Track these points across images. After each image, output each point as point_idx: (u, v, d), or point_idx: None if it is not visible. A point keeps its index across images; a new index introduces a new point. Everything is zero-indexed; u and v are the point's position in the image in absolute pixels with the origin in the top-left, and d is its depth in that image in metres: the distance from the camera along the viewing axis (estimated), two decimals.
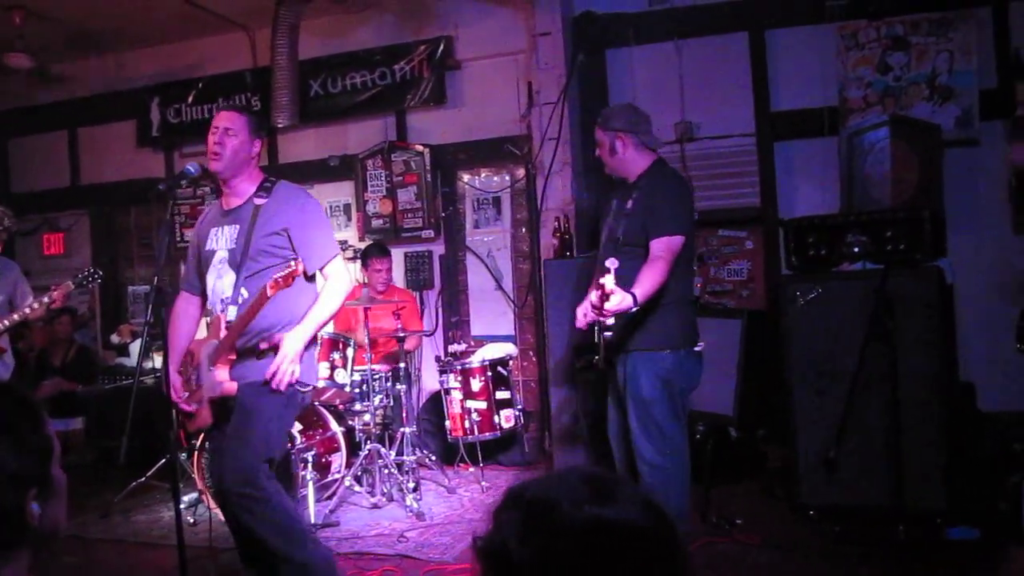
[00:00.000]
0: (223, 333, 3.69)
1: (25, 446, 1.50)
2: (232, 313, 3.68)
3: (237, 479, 3.64)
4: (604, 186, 6.25)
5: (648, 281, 3.98)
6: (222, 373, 3.69)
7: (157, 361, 6.92)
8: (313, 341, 3.90)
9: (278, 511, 3.72)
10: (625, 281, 4.08)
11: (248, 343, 3.73)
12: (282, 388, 3.63)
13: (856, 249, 4.85)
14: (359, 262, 7.11)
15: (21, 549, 1.52)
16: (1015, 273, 5.81)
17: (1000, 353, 5.86)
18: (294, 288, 3.65)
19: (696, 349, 4.30)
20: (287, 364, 3.63)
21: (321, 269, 3.84)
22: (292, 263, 3.52)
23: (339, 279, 3.85)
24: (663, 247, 4.12)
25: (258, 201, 3.82)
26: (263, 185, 3.89)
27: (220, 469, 3.74)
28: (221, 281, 3.82)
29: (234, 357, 3.71)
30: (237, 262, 3.77)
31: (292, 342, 3.66)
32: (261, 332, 3.73)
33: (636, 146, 4.40)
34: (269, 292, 3.47)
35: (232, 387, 3.68)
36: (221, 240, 3.86)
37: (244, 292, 3.72)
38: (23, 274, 5.69)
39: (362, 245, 7.33)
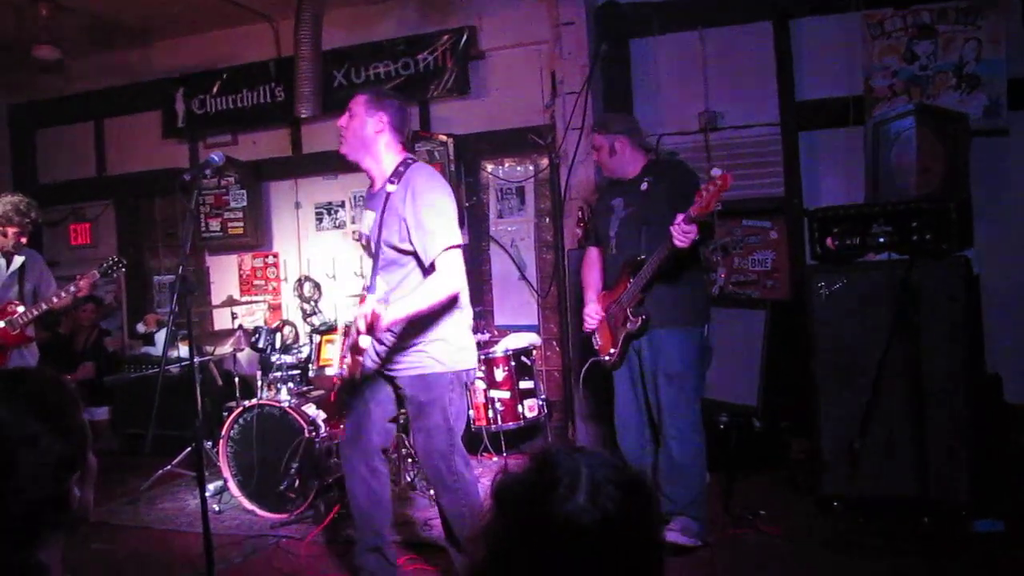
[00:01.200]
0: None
1: (70, 431, 1.53)
2: (371, 302, 3.54)
3: (432, 463, 3.82)
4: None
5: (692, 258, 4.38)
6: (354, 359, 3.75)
7: (183, 350, 6.97)
8: (465, 327, 3.88)
9: (468, 501, 3.75)
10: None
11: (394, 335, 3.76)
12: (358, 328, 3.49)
13: (881, 239, 4.82)
14: None
15: (60, 532, 1.56)
16: None
17: None
18: (415, 286, 3.69)
19: None
20: (362, 321, 3.46)
21: (432, 260, 3.63)
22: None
23: (443, 276, 3.63)
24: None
25: (389, 188, 3.74)
26: (397, 169, 3.79)
27: (421, 460, 3.97)
28: (367, 266, 3.91)
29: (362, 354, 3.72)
30: (372, 252, 3.81)
31: (380, 309, 3.47)
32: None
33: (633, 147, 4.78)
34: (370, 318, 3.44)
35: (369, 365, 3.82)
36: (365, 225, 3.92)
37: (380, 283, 3.72)
38: (48, 264, 5.76)
39: None
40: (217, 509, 5.63)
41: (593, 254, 5.04)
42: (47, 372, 1.62)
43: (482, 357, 6.33)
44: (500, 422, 6.25)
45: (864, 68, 6.19)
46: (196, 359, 3.91)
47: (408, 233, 3.66)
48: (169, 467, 6.23)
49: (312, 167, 7.96)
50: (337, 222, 8.02)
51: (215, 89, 8.27)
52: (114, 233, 9.00)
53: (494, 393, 6.29)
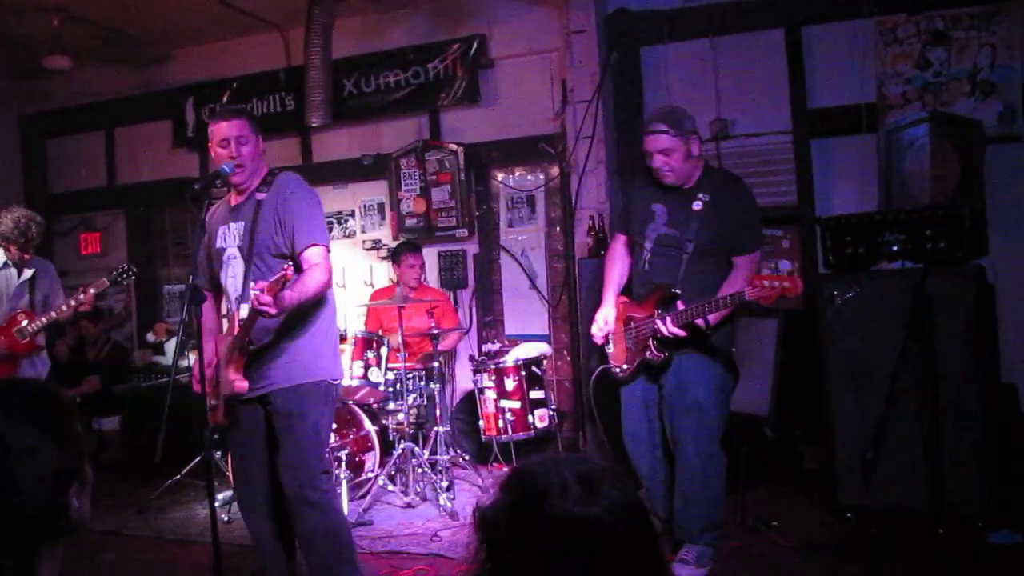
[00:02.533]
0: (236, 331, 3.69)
1: (66, 443, 1.52)
2: (245, 311, 3.64)
3: (295, 482, 3.71)
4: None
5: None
6: (233, 372, 3.69)
7: (193, 359, 6.96)
8: (333, 337, 3.95)
9: (337, 520, 3.80)
10: (696, 287, 4.12)
11: (262, 343, 3.72)
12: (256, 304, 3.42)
13: (895, 248, 4.78)
14: (391, 261, 7.12)
15: (58, 544, 1.55)
16: None
17: None
18: None
19: None
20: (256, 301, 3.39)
21: (301, 253, 3.72)
22: (285, 267, 3.45)
23: (318, 266, 3.71)
24: (751, 264, 4.22)
25: (259, 196, 3.82)
26: (265, 179, 3.88)
27: (284, 475, 3.76)
28: (234, 280, 3.83)
29: (244, 358, 3.68)
30: (246, 259, 3.78)
31: (270, 299, 3.40)
32: (270, 331, 3.72)
33: (699, 148, 4.30)
34: (267, 296, 3.37)
35: (242, 386, 3.67)
36: (229, 237, 3.88)
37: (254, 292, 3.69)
38: (59, 274, 5.78)
39: (395, 244, 7.32)
40: (227, 519, 5.60)
41: (619, 246, 4.66)
42: (42, 382, 1.61)
43: (492, 367, 6.32)
44: (510, 432, 6.22)
45: (877, 75, 6.16)
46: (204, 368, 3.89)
47: (283, 230, 3.73)
48: (179, 476, 6.22)
49: (322, 176, 7.96)
50: (347, 231, 8.01)
51: (225, 98, 8.29)
52: (124, 242, 9.03)
53: (504, 403, 6.25)
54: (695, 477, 4.24)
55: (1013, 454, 4.83)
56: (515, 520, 1.32)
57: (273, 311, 3.40)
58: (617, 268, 4.60)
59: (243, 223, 3.82)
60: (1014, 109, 5.81)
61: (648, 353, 4.25)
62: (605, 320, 4.50)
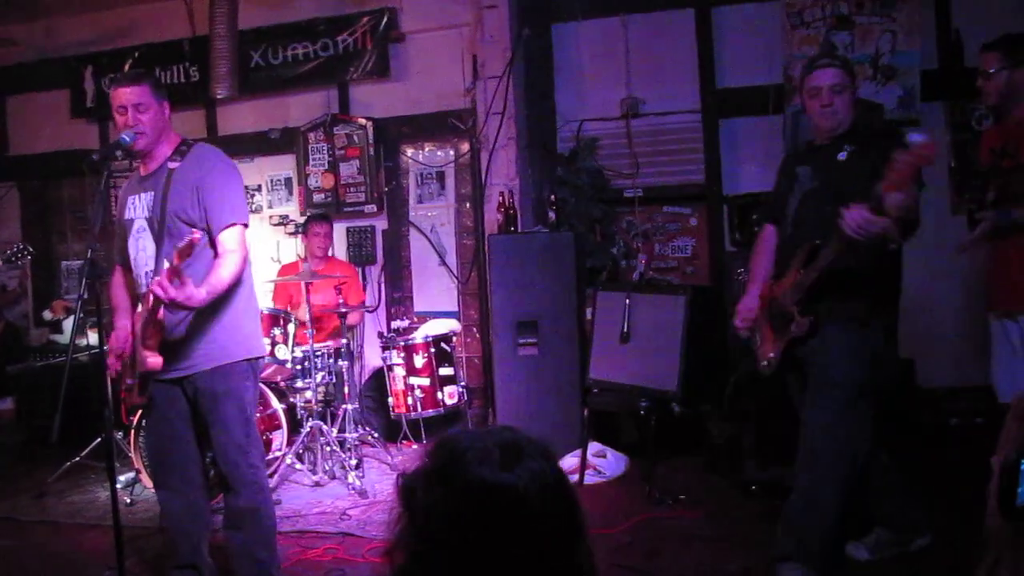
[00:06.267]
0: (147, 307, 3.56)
1: None
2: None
3: (229, 462, 3.67)
4: (549, 161, 6.26)
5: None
6: (146, 349, 3.56)
7: (92, 337, 6.74)
8: (253, 313, 3.85)
9: (266, 501, 3.78)
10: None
11: (178, 324, 3.59)
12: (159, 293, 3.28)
13: None
14: (301, 232, 7.02)
15: None
16: (952, 253, 5.89)
17: (937, 330, 5.97)
18: (208, 261, 3.58)
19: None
20: (164, 290, 3.25)
21: (218, 233, 3.59)
22: (194, 231, 3.33)
23: (234, 250, 3.59)
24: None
25: (172, 165, 3.66)
26: (179, 148, 3.72)
27: (218, 457, 3.72)
28: (144, 252, 3.68)
29: (159, 335, 3.53)
30: (156, 231, 3.63)
31: (191, 292, 3.32)
32: (188, 313, 3.58)
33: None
34: (175, 261, 3.24)
35: (155, 362, 3.51)
36: (138, 208, 3.72)
37: (166, 263, 3.51)
38: None
39: (303, 220, 7.20)
40: (129, 501, 5.47)
41: (767, 234, 4.11)
42: None
43: (401, 343, 6.28)
44: (420, 409, 6.20)
45: (783, 57, 6.27)
46: (106, 347, 3.77)
47: (199, 203, 3.60)
48: (78, 459, 6.02)
49: (228, 149, 7.40)
50: (254, 206, 7.83)
51: (127, 68, 8.00)
52: (18, 217, 8.67)
53: (413, 380, 6.23)
54: (810, 474, 3.76)
55: (910, 428, 5.00)
56: (432, 484, 1.32)
57: (175, 297, 3.25)
58: (764, 256, 4.07)
59: (152, 193, 3.67)
60: (913, 93, 6.00)
61: (793, 327, 3.65)
62: (747, 307, 3.97)
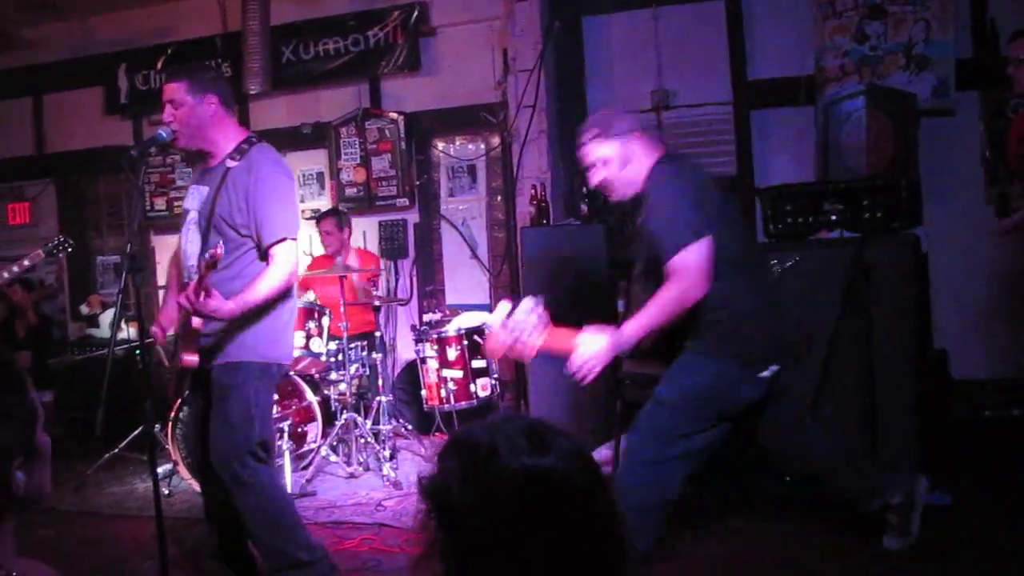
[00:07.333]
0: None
1: (11, 417, 1.48)
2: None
3: (224, 457, 3.60)
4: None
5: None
6: (183, 346, 3.58)
7: (129, 331, 6.84)
8: (283, 318, 3.75)
9: (272, 498, 3.68)
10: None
11: (208, 323, 3.57)
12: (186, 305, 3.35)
13: (834, 217, 4.86)
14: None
15: (5, 518, 1.51)
16: (986, 243, 5.85)
17: (972, 321, 5.93)
18: (251, 269, 3.58)
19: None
20: (192, 304, 3.32)
21: (268, 249, 3.55)
22: (218, 246, 3.30)
23: (279, 267, 3.55)
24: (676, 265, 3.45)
25: (230, 164, 3.62)
26: (240, 146, 3.67)
27: (212, 452, 3.66)
28: (191, 244, 3.68)
29: (194, 337, 3.56)
30: (203, 227, 3.63)
31: (219, 305, 3.37)
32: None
33: (644, 145, 3.66)
34: (203, 271, 3.29)
35: (192, 360, 3.53)
36: (194, 200, 3.72)
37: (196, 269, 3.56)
38: None
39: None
40: (167, 492, 5.54)
41: None
42: None
43: (435, 336, 6.32)
44: (453, 401, 6.23)
45: (816, 48, 6.24)
46: (144, 340, 3.82)
47: (247, 211, 3.56)
48: (117, 450, 6.11)
49: None
50: None
51: (160, 64, 8.09)
52: (55, 212, 8.79)
53: (447, 372, 6.26)
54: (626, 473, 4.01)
55: (944, 419, 4.97)
56: (468, 483, 1.28)
57: (200, 309, 3.31)
58: None
59: (208, 189, 3.65)
60: (947, 83, 5.95)
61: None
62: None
